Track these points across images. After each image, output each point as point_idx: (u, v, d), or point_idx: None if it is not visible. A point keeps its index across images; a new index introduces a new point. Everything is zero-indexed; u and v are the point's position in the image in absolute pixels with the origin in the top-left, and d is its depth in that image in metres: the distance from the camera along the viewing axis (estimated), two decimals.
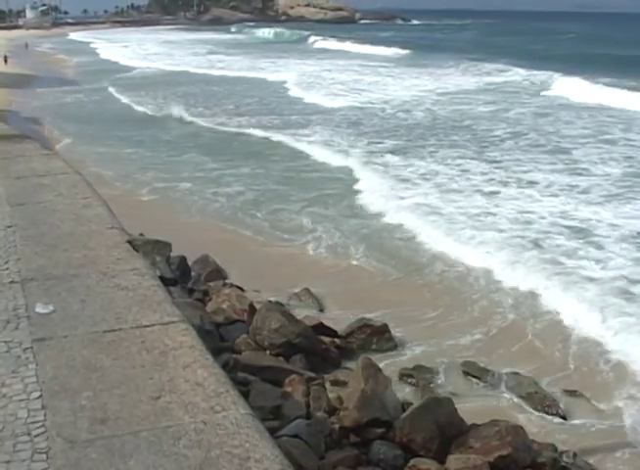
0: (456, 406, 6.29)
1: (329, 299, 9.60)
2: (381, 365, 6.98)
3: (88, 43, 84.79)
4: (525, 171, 16.90)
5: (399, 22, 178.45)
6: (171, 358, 3.74)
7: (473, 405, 7.04)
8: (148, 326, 4.11)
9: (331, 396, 6.64)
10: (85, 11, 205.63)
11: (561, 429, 6.80)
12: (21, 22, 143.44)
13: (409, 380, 7.48)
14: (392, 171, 16.88)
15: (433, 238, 12.07)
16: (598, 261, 10.80)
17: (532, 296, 9.70)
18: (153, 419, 3.20)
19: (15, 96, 31.87)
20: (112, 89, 35.35)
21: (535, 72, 39.30)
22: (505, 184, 15.58)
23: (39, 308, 4.33)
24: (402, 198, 14.50)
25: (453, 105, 29.18)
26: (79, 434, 3.10)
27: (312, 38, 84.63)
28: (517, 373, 7.62)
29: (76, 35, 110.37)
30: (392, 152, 19.11)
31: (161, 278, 5.34)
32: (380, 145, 20.26)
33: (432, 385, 7.42)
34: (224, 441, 3.05)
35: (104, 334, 4.02)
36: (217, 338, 7.62)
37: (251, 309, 8.26)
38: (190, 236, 11.62)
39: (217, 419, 3.20)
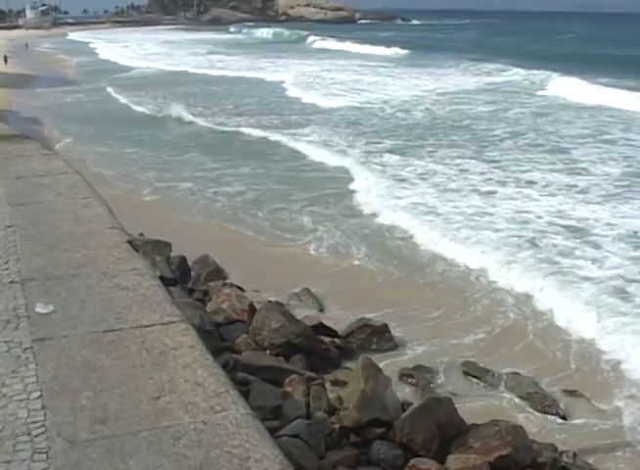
0: (456, 406, 6.29)
1: (329, 299, 9.60)
2: (381, 365, 6.98)
3: (87, 43, 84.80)
4: (525, 171, 16.91)
5: (399, 22, 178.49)
6: (171, 358, 3.74)
7: (473, 405, 7.04)
8: (148, 326, 4.11)
9: (331, 396, 6.63)
10: (85, 11, 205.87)
11: (561, 429, 6.80)
12: (20, 21, 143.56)
13: (409, 380, 7.47)
14: (391, 171, 16.89)
15: (428, 237, 12.08)
16: (594, 261, 10.81)
17: (528, 296, 9.69)
18: (153, 419, 3.21)
19: (15, 96, 31.87)
20: (110, 89, 35.33)
21: (535, 72, 39.29)
22: (503, 184, 15.58)
23: (39, 308, 4.33)
24: (402, 197, 14.50)
25: (453, 105, 29.17)
26: (79, 434, 3.10)
27: (311, 38, 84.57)
28: (517, 373, 7.61)
29: (76, 35, 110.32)
30: (391, 151, 19.11)
31: (161, 278, 5.34)
32: (378, 145, 20.26)
33: (432, 385, 7.41)
34: (224, 441, 3.05)
35: (104, 334, 4.02)
36: (217, 338, 7.62)
37: (251, 309, 8.26)
38: (191, 236, 11.62)
39: (217, 419, 3.20)
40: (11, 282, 4.79)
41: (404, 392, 7.20)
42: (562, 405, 7.10)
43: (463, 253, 11.24)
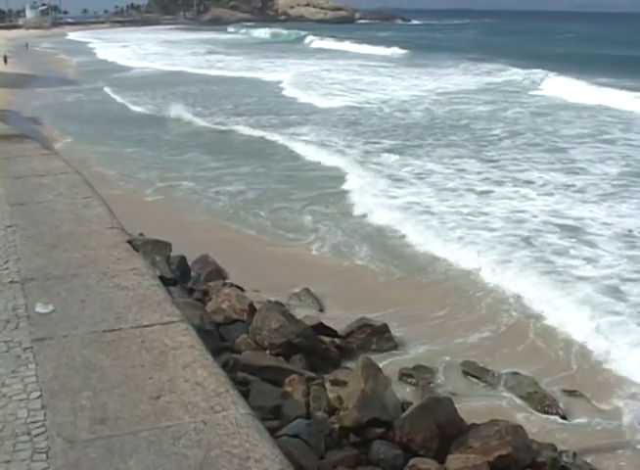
0: (456, 406, 6.29)
1: (329, 299, 9.60)
2: (381, 365, 6.98)
3: (87, 43, 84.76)
4: (522, 171, 16.91)
5: (399, 21, 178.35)
6: (171, 358, 3.74)
7: (473, 405, 7.04)
8: (148, 326, 4.11)
9: (331, 395, 6.64)
10: (85, 11, 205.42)
11: (561, 429, 6.80)
12: (20, 21, 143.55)
13: (409, 380, 7.48)
14: (388, 171, 16.90)
15: (425, 238, 12.08)
16: (589, 260, 10.82)
17: (520, 296, 9.67)
18: (153, 419, 3.20)
19: (15, 96, 31.88)
20: (107, 89, 35.28)
21: (535, 71, 39.29)
22: (500, 184, 15.57)
23: (39, 308, 4.33)
24: (401, 197, 14.50)
25: (452, 104, 29.18)
26: (79, 434, 3.10)
27: (309, 38, 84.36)
28: (517, 373, 7.61)
29: (75, 35, 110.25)
30: (390, 151, 19.13)
31: (161, 278, 5.34)
32: (377, 145, 20.27)
33: (431, 385, 7.42)
34: (224, 440, 3.05)
35: (104, 334, 4.02)
36: (217, 338, 7.62)
37: (251, 309, 8.27)
38: (191, 236, 11.62)
39: (217, 419, 3.20)
40: (11, 282, 4.79)
41: (404, 392, 7.20)
42: (562, 405, 7.10)
43: (457, 252, 11.25)
